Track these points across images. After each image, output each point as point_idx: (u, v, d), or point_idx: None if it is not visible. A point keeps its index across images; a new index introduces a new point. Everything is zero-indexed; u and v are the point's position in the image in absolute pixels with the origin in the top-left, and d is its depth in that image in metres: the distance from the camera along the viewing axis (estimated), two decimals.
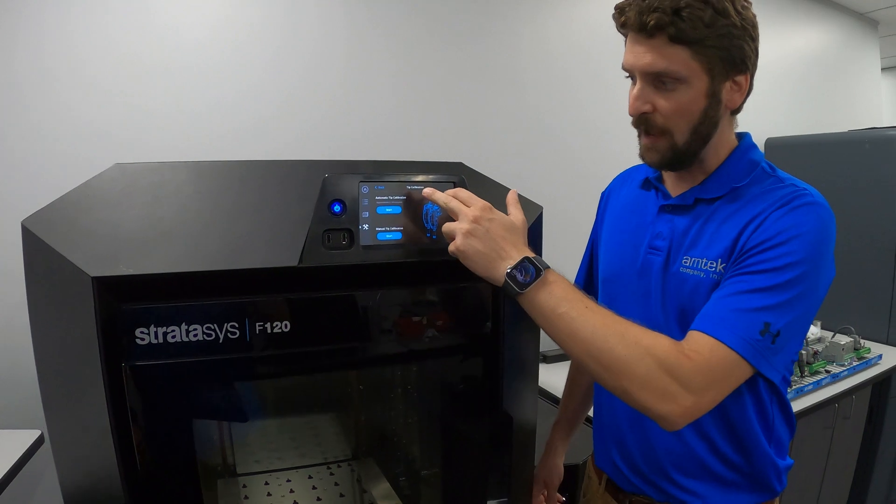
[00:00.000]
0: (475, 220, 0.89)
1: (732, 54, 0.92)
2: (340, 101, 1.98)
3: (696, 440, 1.04)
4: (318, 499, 1.35)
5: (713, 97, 0.94)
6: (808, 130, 3.19)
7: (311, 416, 1.48)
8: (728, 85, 0.95)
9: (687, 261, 1.01)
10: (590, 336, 0.86)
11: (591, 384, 1.34)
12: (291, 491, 1.37)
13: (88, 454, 0.91)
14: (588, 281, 1.34)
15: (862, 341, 2.60)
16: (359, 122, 2.02)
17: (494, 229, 0.90)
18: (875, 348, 2.59)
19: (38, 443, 1.47)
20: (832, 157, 2.89)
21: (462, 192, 0.93)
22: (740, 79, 0.96)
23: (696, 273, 0.99)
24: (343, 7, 1.96)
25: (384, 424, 1.46)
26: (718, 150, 1.02)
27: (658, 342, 0.86)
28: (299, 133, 1.92)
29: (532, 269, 0.88)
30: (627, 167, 1.25)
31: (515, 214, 0.95)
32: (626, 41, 0.98)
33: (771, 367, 0.88)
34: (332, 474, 1.45)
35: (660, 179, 1.11)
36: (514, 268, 0.89)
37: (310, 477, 1.43)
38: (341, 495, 1.38)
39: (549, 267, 0.90)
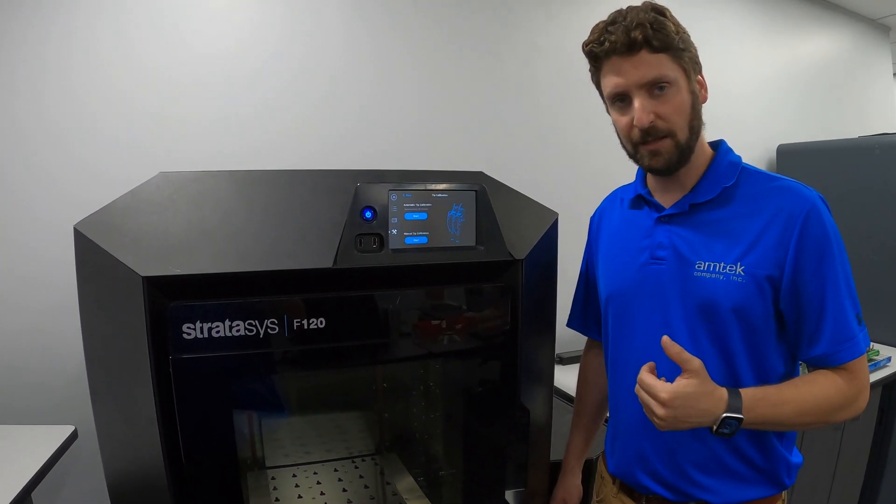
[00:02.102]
0: (663, 419, 0.94)
1: (693, 55, 1.05)
2: (364, 113, 2.03)
3: (716, 441, 1.07)
4: (344, 489, 1.41)
5: (693, 94, 1.05)
6: (820, 137, 3.20)
7: (336, 413, 1.55)
8: (696, 83, 1.06)
9: (701, 265, 1.06)
10: (795, 421, 1.02)
11: (595, 416, 1.39)
12: (318, 483, 1.43)
13: (134, 442, 0.97)
14: (585, 303, 1.37)
15: (872, 344, 2.62)
16: (382, 132, 2.06)
17: (687, 408, 0.94)
18: (884, 351, 2.60)
19: (72, 438, 1.53)
20: (842, 163, 2.91)
21: (647, 381, 0.96)
22: (700, 78, 1.07)
23: (713, 276, 1.05)
24: (365, 24, 2.01)
25: (407, 420, 1.52)
26: (703, 154, 1.11)
27: (831, 396, 1.01)
28: (323, 144, 1.96)
29: (734, 423, 0.95)
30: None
31: (692, 361, 0.95)
32: (599, 73, 1.07)
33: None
34: (356, 468, 1.51)
35: (650, 195, 1.17)
36: (719, 428, 0.96)
37: (335, 470, 1.49)
38: (366, 486, 1.44)
39: (741, 407, 0.96)
